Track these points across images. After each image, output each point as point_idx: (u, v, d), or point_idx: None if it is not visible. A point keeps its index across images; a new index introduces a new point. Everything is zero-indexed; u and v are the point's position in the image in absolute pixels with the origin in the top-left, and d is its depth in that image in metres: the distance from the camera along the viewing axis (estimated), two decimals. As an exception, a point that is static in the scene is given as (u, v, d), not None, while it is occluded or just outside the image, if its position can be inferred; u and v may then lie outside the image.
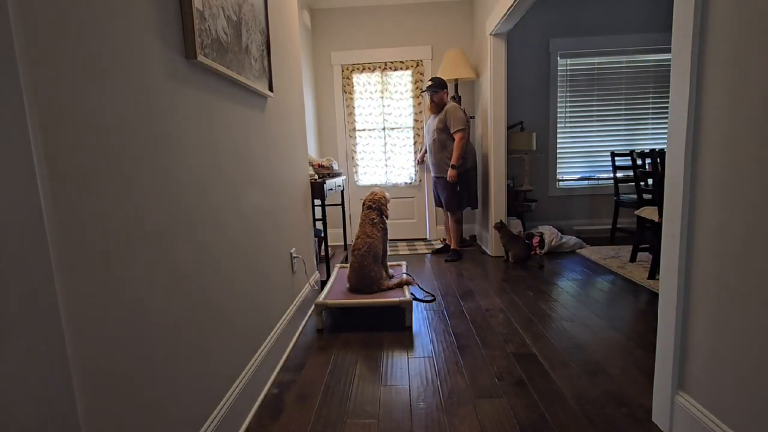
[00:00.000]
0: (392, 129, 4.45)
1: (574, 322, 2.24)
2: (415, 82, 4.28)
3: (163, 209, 1.01)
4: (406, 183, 4.50)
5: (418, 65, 4.15)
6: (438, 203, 3.94)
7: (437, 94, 3.63)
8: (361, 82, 4.40)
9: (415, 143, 4.42)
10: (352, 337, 2.17)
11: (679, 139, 1.23)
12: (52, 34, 0.70)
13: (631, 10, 4.23)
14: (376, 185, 4.54)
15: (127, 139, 0.88)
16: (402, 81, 4.36)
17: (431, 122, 3.75)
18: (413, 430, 1.42)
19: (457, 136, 3.54)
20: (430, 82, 3.66)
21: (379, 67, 4.29)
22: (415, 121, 4.37)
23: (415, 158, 4.41)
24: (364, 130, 4.49)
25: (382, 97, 4.39)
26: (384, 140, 4.48)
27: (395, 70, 4.29)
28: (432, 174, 3.87)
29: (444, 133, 3.62)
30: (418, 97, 4.26)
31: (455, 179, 3.57)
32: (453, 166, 3.54)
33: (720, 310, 1.14)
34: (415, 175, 4.48)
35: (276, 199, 1.96)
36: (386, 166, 4.52)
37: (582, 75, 4.36)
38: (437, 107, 3.67)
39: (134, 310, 0.89)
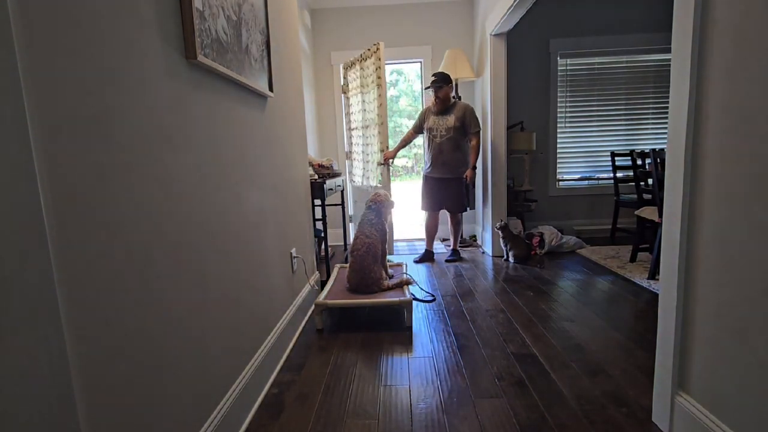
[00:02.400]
0: (366, 127, 3.88)
1: (574, 322, 2.24)
2: (376, 69, 3.52)
3: (163, 209, 1.01)
4: (375, 186, 3.78)
5: (378, 49, 3.47)
6: (434, 207, 3.65)
7: (442, 89, 3.40)
8: (350, 78, 4.13)
9: (380, 142, 3.64)
10: (352, 337, 2.17)
11: (679, 139, 1.23)
12: (52, 34, 0.70)
13: (631, 10, 4.22)
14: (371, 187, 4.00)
15: (126, 140, 0.88)
16: (370, 70, 3.65)
17: (438, 120, 3.49)
18: (413, 430, 1.42)
19: (476, 138, 3.49)
20: (433, 77, 3.41)
21: (358, 60, 3.85)
22: (378, 115, 3.59)
23: (382, 156, 3.65)
24: (355, 128, 4.19)
25: (360, 92, 3.91)
26: (362, 139, 4.03)
27: (365, 60, 3.70)
28: (436, 175, 3.57)
29: (460, 132, 3.45)
30: (380, 87, 3.52)
31: (473, 180, 3.64)
32: (474, 168, 3.58)
33: (720, 309, 1.14)
34: (380, 176, 3.70)
35: (276, 199, 1.96)
36: (364, 169, 4.03)
37: (582, 75, 4.36)
38: (442, 103, 3.46)
39: (134, 311, 0.89)
